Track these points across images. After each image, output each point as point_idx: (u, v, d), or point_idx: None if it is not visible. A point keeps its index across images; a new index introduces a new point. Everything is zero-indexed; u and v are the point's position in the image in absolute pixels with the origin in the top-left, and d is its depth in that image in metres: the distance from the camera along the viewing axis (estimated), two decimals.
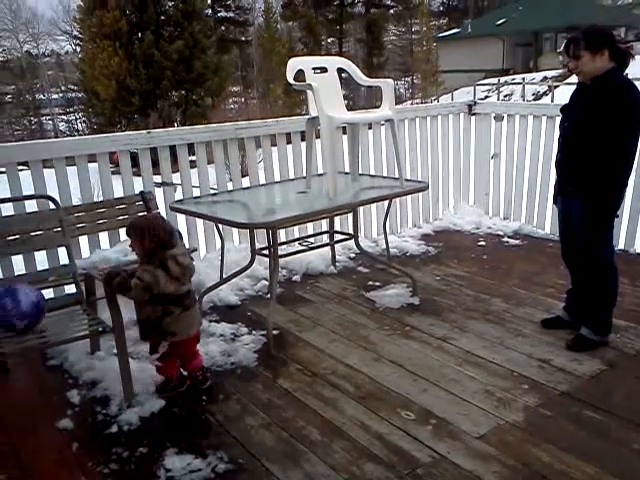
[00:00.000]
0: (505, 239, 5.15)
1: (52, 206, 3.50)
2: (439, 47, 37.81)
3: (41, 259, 3.67)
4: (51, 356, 3.31)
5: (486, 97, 27.05)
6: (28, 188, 3.61)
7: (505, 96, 27.48)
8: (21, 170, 3.70)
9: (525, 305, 3.79)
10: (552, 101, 20.53)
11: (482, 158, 5.70)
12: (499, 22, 35.29)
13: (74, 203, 3.79)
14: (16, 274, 3.58)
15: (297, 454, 2.44)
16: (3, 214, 3.51)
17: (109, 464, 2.42)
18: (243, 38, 42.51)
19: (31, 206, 3.61)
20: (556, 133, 4.34)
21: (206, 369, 3.01)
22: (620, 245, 4.57)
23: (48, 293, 3.59)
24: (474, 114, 5.63)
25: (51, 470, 2.43)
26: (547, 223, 5.15)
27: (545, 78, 27.69)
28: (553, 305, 3.71)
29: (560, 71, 25.96)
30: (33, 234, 3.45)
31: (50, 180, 3.70)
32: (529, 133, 5.18)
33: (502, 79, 29.01)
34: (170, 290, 2.67)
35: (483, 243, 5.10)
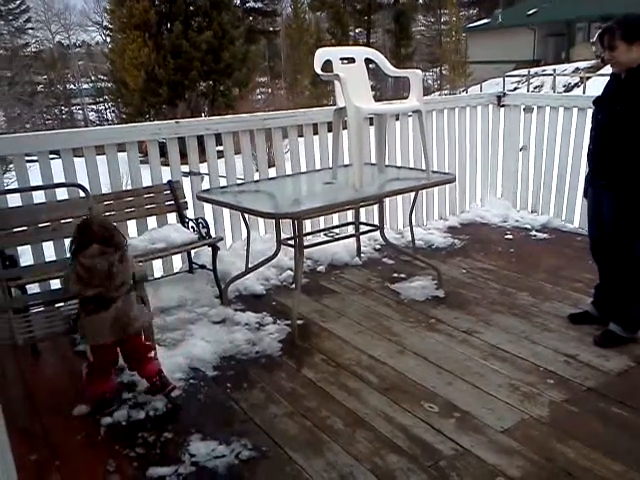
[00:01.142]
0: (533, 233, 5.08)
1: (82, 194, 3.56)
2: (468, 38, 37.29)
3: None
4: (79, 341, 3.37)
5: (515, 89, 26.64)
6: (59, 177, 3.67)
7: (535, 88, 27.01)
8: (52, 159, 3.76)
9: (552, 299, 3.74)
10: (584, 93, 20.15)
11: (511, 150, 5.62)
12: (530, 12, 34.65)
13: (103, 192, 3.85)
14: (46, 260, 3.65)
15: (320, 443, 2.45)
16: (35, 202, 3.58)
17: (135, 448, 2.47)
18: (271, 29, 42.49)
19: (62, 194, 3.68)
20: (587, 125, 4.26)
21: (163, 375, 2.78)
22: None
23: None
24: (503, 106, 5.56)
25: (79, 451, 2.49)
26: (576, 217, 5.07)
27: (577, 69, 27.16)
28: (581, 300, 3.66)
29: (593, 62, 25.42)
30: (63, 221, 3.52)
31: (80, 169, 3.76)
32: (559, 125, 5.09)
33: (532, 70, 28.51)
34: (75, 290, 2.67)
35: (510, 236, 5.04)
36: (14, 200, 3.56)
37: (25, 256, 3.67)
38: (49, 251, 3.69)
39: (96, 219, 2.83)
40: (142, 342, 2.81)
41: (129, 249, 2.81)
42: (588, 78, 23.03)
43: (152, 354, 2.81)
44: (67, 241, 3.66)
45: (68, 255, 3.27)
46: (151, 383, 2.78)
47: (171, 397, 2.77)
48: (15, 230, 3.40)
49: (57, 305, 3.48)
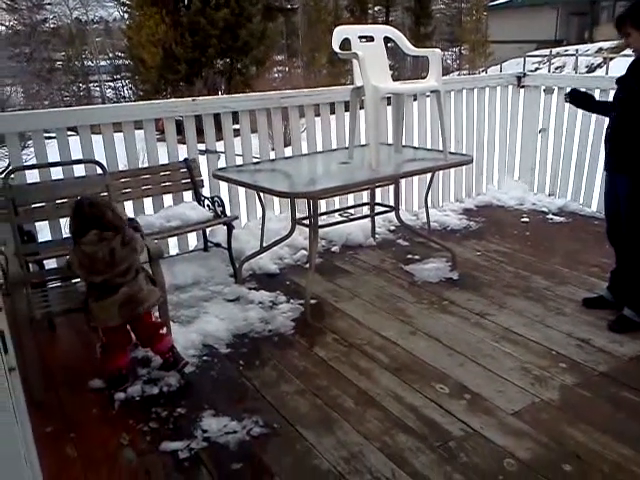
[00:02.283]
0: (549, 216, 5.04)
1: (99, 171, 3.58)
2: (489, 16, 36.60)
3: None
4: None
5: (536, 69, 26.17)
6: (76, 153, 3.70)
7: (556, 68, 26.54)
8: (70, 135, 3.78)
9: (567, 283, 3.72)
10: (607, 74, 19.77)
11: (529, 132, 5.55)
12: None
13: (120, 169, 3.88)
14: (64, 237, 3.69)
15: (331, 421, 2.48)
16: (52, 178, 3.61)
17: (149, 422, 2.51)
18: (289, 6, 42.00)
19: (79, 171, 3.71)
20: None
21: (176, 352, 2.83)
22: None
23: None
24: (523, 86, 5.47)
25: (94, 424, 2.54)
26: (594, 201, 5.01)
27: (600, 49, 26.61)
28: (596, 284, 3.63)
29: (616, 42, 24.85)
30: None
31: (98, 146, 3.78)
32: None
33: (554, 50, 28.00)
34: (80, 275, 2.70)
35: (526, 219, 5.00)
36: (32, 176, 3.60)
37: (43, 232, 3.72)
38: (67, 228, 3.72)
39: (86, 200, 2.72)
40: (152, 320, 2.83)
41: (144, 227, 2.80)
42: (612, 59, 22.56)
43: (163, 330, 2.84)
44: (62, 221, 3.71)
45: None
46: (164, 359, 2.83)
47: (184, 373, 2.81)
48: (33, 206, 3.44)
49: (74, 281, 3.53)
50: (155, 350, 2.84)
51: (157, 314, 2.96)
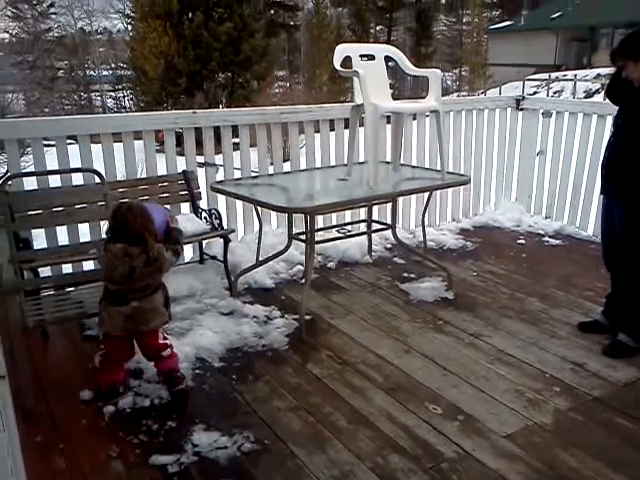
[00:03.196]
0: (546, 238, 5.05)
1: (97, 180, 3.58)
2: (489, 39, 37.01)
3: (84, 231, 3.76)
4: (88, 326, 3.39)
5: (535, 93, 26.39)
6: (75, 162, 3.70)
7: (555, 92, 26.75)
8: (70, 144, 3.79)
9: (562, 307, 3.72)
10: (604, 100, 19.94)
11: (527, 155, 5.59)
12: (554, 16, 34.31)
13: (119, 178, 3.88)
14: (60, 244, 3.68)
15: (323, 439, 2.46)
16: (50, 186, 3.61)
17: (139, 435, 2.48)
18: (292, 23, 42.39)
19: (77, 179, 3.70)
20: (606, 133, 4.23)
21: (179, 373, 2.79)
22: None
23: (88, 265, 3.70)
24: (522, 109, 5.52)
25: (84, 435, 2.51)
26: (590, 224, 5.03)
27: (598, 75, 26.83)
28: (591, 308, 3.63)
29: (615, 69, 25.14)
30: (78, 206, 3.55)
31: (97, 155, 3.78)
32: (577, 131, 5.05)
33: (553, 75, 28.26)
34: (101, 276, 2.68)
35: (523, 241, 5.01)
36: (30, 183, 3.59)
37: (39, 239, 3.70)
38: (62, 235, 3.72)
39: (136, 209, 2.62)
40: (156, 342, 2.74)
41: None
42: None
43: (166, 352, 2.75)
44: (80, 226, 3.71)
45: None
46: (163, 378, 2.80)
47: (173, 393, 2.75)
48: (30, 213, 3.43)
49: (68, 290, 3.51)
50: (156, 368, 2.80)
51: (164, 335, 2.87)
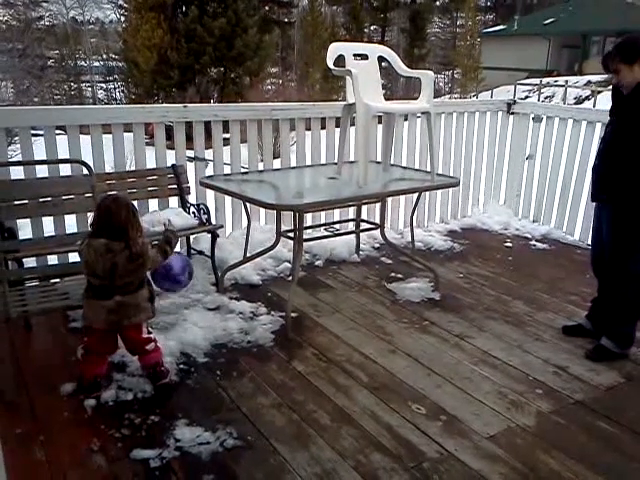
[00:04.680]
0: (533, 242, 5.08)
1: (85, 172, 3.55)
2: (483, 43, 37.15)
3: (70, 223, 3.73)
4: (73, 318, 3.37)
5: (526, 97, 26.56)
6: (63, 153, 3.66)
7: (546, 97, 26.95)
8: (58, 134, 3.75)
9: (547, 310, 3.74)
10: (594, 106, 20.08)
11: (516, 158, 5.62)
12: (547, 21, 34.53)
13: (107, 170, 3.85)
14: (45, 235, 3.65)
15: (305, 437, 2.46)
16: (37, 176, 3.58)
17: (121, 429, 2.47)
18: (286, 19, 42.29)
19: (65, 170, 3.67)
20: (595, 139, 4.26)
21: (163, 368, 2.77)
22: None
23: (74, 257, 3.66)
24: (513, 113, 5.55)
25: (65, 428, 2.49)
26: (577, 229, 5.07)
27: (589, 82, 27.06)
28: (576, 313, 3.66)
29: (605, 76, 25.32)
30: (65, 198, 3.52)
31: (85, 147, 3.75)
32: (567, 137, 5.09)
33: (544, 80, 28.44)
34: (82, 270, 2.65)
35: (510, 244, 5.04)
36: (17, 172, 3.56)
37: (24, 230, 3.67)
38: (49, 226, 3.68)
39: (121, 201, 2.58)
40: (139, 336, 2.70)
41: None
42: (599, 92, 22.96)
43: (150, 346, 2.73)
44: (67, 217, 3.68)
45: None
46: (147, 372, 2.77)
47: (157, 387, 2.74)
48: (16, 203, 3.40)
49: (53, 281, 3.48)
50: (140, 362, 2.78)
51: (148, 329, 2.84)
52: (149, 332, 2.77)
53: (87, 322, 2.68)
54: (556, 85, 27.69)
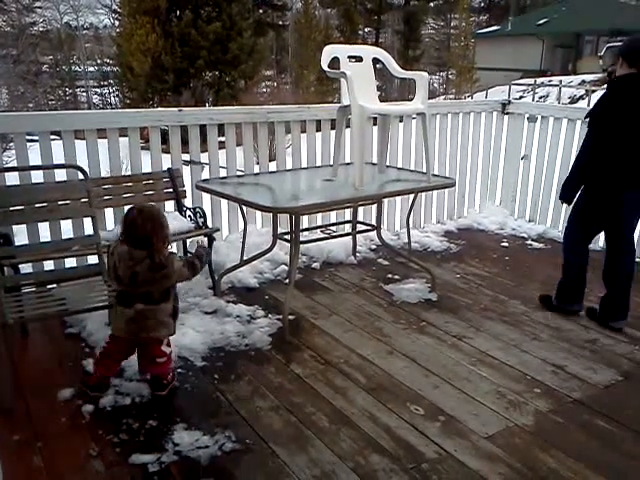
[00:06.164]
0: (529, 242, 5.09)
1: (81, 176, 3.54)
2: (477, 44, 37.25)
3: (66, 228, 3.73)
4: (70, 324, 3.37)
5: (521, 97, 26.59)
6: (59, 158, 3.66)
7: (540, 97, 27.00)
8: (53, 140, 3.75)
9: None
10: (588, 105, 20.14)
11: (512, 158, 5.63)
12: (541, 22, 34.65)
13: (102, 175, 3.84)
14: (41, 241, 3.64)
15: (304, 439, 2.45)
16: (33, 181, 3.57)
17: (119, 434, 2.46)
18: (280, 22, 42.35)
19: (60, 175, 3.67)
20: None
21: (165, 380, 2.75)
22: None
23: (71, 262, 3.66)
24: (507, 113, 5.56)
25: (63, 434, 2.48)
26: None
27: (583, 82, 27.15)
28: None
29: (599, 75, 25.41)
30: (60, 203, 3.51)
31: (81, 152, 3.74)
32: (562, 136, 5.10)
33: (539, 80, 28.50)
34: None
35: (506, 244, 5.05)
36: (12, 179, 3.55)
37: (20, 235, 3.66)
38: (44, 232, 3.68)
39: (147, 211, 2.58)
40: (158, 350, 2.69)
41: None
42: (594, 91, 23.02)
43: (162, 360, 2.72)
44: (63, 223, 3.68)
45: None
46: (151, 380, 2.77)
47: (155, 395, 2.74)
48: (12, 209, 3.38)
49: (49, 286, 3.47)
50: (148, 370, 2.76)
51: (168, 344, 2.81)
52: (168, 345, 2.75)
53: (111, 329, 2.73)
54: (550, 85, 27.76)
